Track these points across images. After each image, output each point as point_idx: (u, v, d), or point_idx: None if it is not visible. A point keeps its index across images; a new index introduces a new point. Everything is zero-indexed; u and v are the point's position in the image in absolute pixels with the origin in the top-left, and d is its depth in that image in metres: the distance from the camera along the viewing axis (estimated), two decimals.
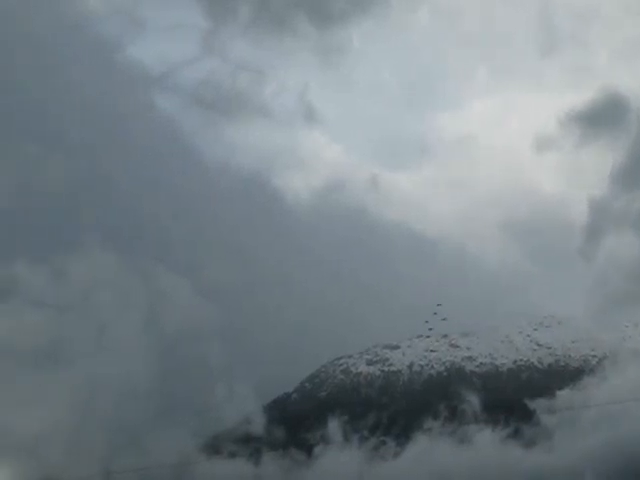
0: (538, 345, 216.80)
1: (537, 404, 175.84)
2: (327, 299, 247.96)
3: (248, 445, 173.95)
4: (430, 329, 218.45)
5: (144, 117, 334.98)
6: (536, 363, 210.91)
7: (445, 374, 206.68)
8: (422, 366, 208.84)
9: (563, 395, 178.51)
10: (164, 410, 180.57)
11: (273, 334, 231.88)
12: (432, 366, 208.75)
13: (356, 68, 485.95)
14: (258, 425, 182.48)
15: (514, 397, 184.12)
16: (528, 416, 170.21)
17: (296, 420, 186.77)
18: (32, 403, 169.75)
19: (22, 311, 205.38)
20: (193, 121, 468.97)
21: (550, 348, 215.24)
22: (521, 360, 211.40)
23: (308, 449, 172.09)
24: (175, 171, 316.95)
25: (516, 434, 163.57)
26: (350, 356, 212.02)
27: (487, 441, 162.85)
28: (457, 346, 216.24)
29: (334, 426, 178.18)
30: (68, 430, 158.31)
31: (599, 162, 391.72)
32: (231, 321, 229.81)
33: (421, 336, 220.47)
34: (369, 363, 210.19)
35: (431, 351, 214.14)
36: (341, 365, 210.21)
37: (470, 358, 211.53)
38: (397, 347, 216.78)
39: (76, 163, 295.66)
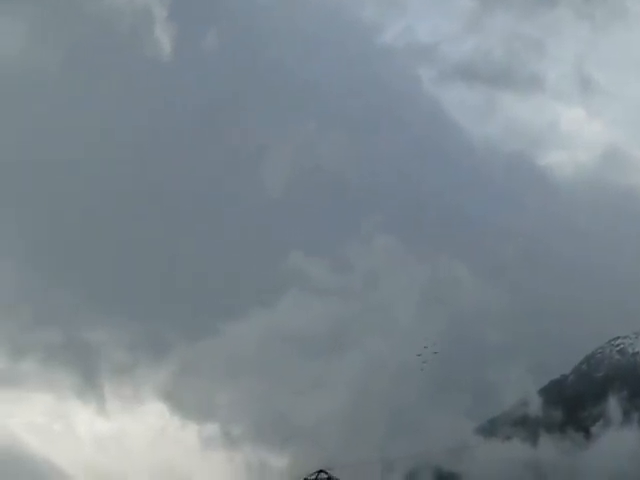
0: None
1: None
2: (598, 279, 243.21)
3: (525, 428, 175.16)
4: None
5: (410, 95, 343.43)
6: None
7: None
8: None
9: None
10: (440, 393, 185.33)
11: (548, 316, 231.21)
12: None
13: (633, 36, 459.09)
14: (535, 407, 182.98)
15: None
16: None
17: (573, 401, 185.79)
18: (312, 390, 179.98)
19: (304, 300, 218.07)
20: (457, 96, 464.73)
21: None
22: None
23: (586, 430, 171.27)
24: (441, 149, 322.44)
25: None
26: (626, 337, 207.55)
27: None
28: None
29: (612, 406, 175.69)
30: (346, 416, 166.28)
31: None
32: (509, 303, 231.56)
33: None
34: None
35: None
36: (617, 346, 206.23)
37: None
38: None
39: (353, 145, 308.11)
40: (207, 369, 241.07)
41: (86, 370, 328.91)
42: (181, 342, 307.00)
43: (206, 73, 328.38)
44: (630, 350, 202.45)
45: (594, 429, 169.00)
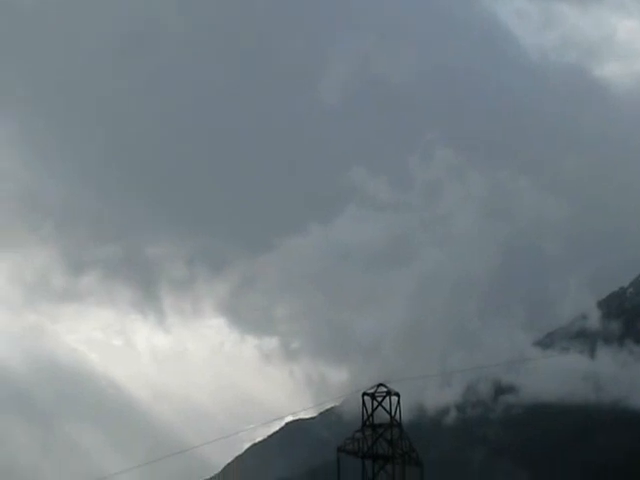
0: None
1: None
2: None
3: (583, 340, 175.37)
4: None
5: (468, 6, 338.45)
6: None
7: None
8: None
9: None
10: (499, 305, 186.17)
11: (608, 229, 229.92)
12: None
13: None
14: (593, 320, 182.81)
15: None
16: None
17: (632, 313, 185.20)
18: (371, 304, 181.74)
19: (363, 215, 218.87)
20: (515, 7, 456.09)
21: None
22: None
23: None
24: (496, 64, 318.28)
25: None
26: None
27: None
28: None
29: None
30: (405, 329, 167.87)
31: None
32: (569, 216, 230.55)
33: None
34: None
35: None
36: None
37: None
38: None
39: (412, 58, 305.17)
40: (266, 284, 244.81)
41: (146, 285, 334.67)
42: (240, 257, 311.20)
43: None
44: None
45: None
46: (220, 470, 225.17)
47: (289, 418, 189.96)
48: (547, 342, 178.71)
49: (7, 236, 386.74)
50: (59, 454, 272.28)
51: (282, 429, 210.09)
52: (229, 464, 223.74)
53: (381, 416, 60.98)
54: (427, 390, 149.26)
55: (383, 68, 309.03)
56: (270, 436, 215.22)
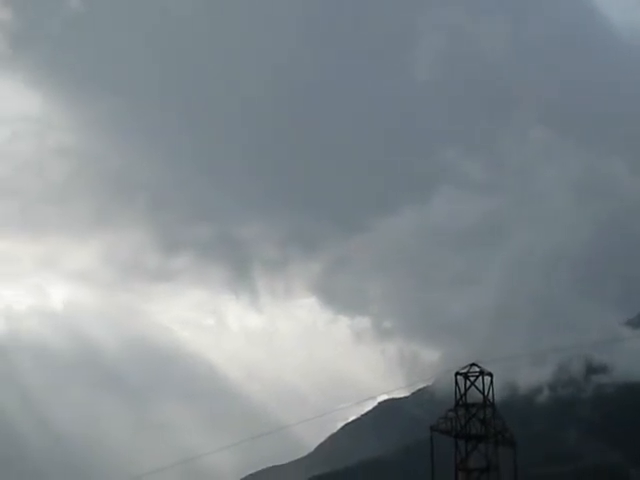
0: None
1: None
2: None
3: None
4: None
5: None
6: None
7: None
8: None
9: None
10: (591, 285, 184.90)
11: None
12: None
13: None
14: None
15: None
16: None
17: None
18: (463, 284, 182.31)
19: (456, 196, 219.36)
20: None
21: None
22: None
23: None
24: (589, 39, 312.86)
25: None
26: None
27: None
28: None
29: None
30: (497, 309, 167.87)
31: None
32: None
33: None
34: None
35: None
36: None
37: None
38: None
39: (506, 36, 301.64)
40: (358, 264, 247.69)
41: (239, 266, 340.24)
42: (333, 237, 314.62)
43: None
44: None
45: None
46: (314, 449, 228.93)
47: (382, 397, 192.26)
48: (638, 322, 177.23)
49: (101, 217, 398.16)
50: (151, 432, 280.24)
51: (375, 408, 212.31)
52: (322, 443, 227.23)
53: (474, 395, 62.48)
54: (519, 369, 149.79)
55: (476, 44, 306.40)
56: (363, 415, 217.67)
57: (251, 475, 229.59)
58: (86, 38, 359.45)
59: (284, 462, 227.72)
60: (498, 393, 62.88)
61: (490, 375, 63.26)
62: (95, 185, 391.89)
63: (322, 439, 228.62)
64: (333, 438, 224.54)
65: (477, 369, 63.42)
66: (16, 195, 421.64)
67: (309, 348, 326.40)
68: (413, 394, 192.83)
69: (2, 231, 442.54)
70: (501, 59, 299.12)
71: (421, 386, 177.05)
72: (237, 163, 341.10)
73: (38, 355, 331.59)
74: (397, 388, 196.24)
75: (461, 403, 63.00)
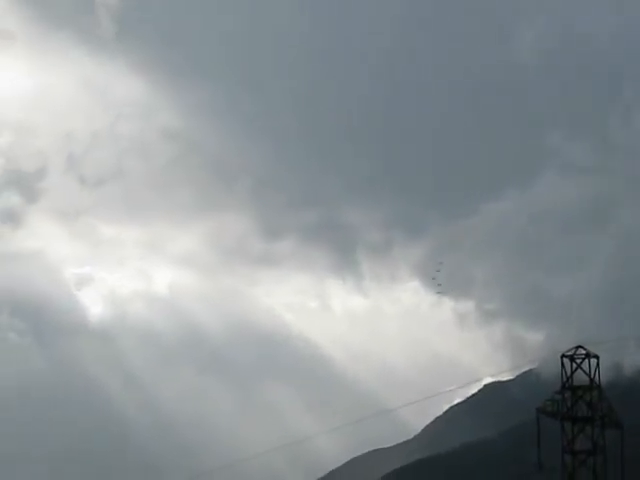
0: None
1: None
2: None
3: None
4: None
5: None
6: None
7: None
8: None
9: None
10: None
11: None
12: None
13: None
14: None
15: None
16: None
17: None
18: (569, 266, 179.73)
19: (562, 179, 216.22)
20: None
21: None
22: None
23: None
24: None
25: None
26: None
27: None
28: None
29: None
30: (603, 291, 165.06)
31: None
32: None
33: None
34: None
35: None
36: None
37: None
38: None
39: (611, 14, 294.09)
40: (462, 247, 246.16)
41: (343, 250, 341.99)
42: (437, 221, 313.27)
43: None
44: None
45: None
46: (420, 431, 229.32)
47: (487, 380, 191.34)
48: None
49: (205, 202, 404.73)
50: (256, 414, 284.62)
51: (480, 391, 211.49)
52: (427, 426, 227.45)
53: (579, 378, 61.96)
54: (625, 351, 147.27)
55: (581, 25, 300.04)
56: (468, 398, 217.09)
57: (357, 458, 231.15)
58: (189, 23, 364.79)
59: (389, 445, 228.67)
60: (603, 374, 62.17)
61: (596, 357, 62.66)
62: (199, 169, 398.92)
63: (427, 422, 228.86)
64: (438, 421, 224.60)
65: (583, 351, 62.89)
66: (121, 180, 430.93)
67: (412, 331, 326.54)
68: (518, 376, 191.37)
69: (109, 216, 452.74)
70: (608, 42, 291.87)
71: (526, 369, 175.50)
72: (341, 147, 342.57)
73: (143, 338, 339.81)
74: (502, 371, 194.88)
75: (567, 385, 62.59)
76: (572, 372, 62.24)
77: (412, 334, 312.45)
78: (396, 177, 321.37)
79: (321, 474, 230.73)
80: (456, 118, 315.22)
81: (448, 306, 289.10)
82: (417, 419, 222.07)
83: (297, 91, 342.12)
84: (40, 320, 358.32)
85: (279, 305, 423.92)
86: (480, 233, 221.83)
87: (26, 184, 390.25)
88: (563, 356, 62.55)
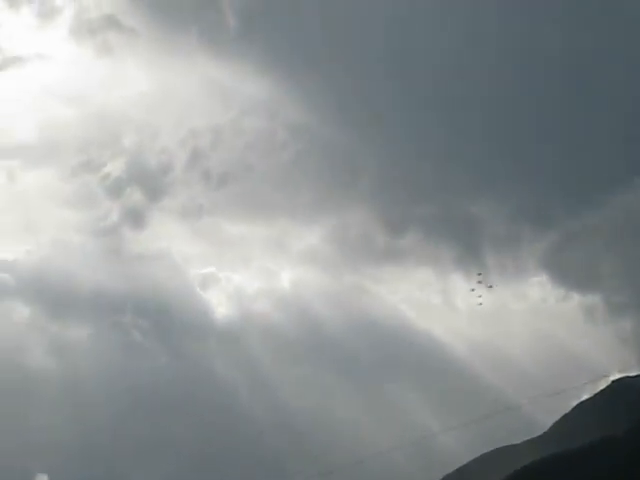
0: None
1: None
2: None
3: None
4: None
5: None
6: None
7: None
8: None
9: None
10: None
11: None
12: None
13: None
14: None
15: None
16: None
17: None
18: None
19: None
20: None
21: None
22: None
23: None
24: None
25: None
26: None
27: None
28: None
29: None
30: None
31: None
32: None
33: None
34: None
35: None
36: None
37: None
38: None
39: None
40: (590, 240, 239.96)
41: (467, 243, 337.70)
42: (564, 213, 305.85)
43: None
44: None
45: None
46: (547, 429, 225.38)
47: (615, 376, 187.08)
48: None
49: (327, 198, 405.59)
50: (379, 412, 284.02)
51: (608, 387, 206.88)
52: (556, 423, 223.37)
53: None
54: None
55: None
56: (596, 394, 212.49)
57: (485, 454, 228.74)
58: (308, 20, 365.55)
59: (517, 441, 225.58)
60: None
61: None
62: (321, 166, 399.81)
63: (555, 419, 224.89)
64: (566, 417, 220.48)
65: None
66: (248, 179, 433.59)
67: (538, 326, 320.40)
68: None
69: (233, 215, 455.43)
70: None
71: None
72: (463, 140, 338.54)
73: (269, 338, 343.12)
74: (631, 366, 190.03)
75: None
76: None
77: (537, 329, 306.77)
78: (522, 168, 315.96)
79: (447, 471, 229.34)
80: (582, 107, 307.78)
81: (575, 300, 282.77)
82: (544, 416, 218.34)
83: (416, 88, 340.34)
84: (164, 320, 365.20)
85: (403, 301, 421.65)
86: (609, 225, 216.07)
87: (150, 184, 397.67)
88: None
